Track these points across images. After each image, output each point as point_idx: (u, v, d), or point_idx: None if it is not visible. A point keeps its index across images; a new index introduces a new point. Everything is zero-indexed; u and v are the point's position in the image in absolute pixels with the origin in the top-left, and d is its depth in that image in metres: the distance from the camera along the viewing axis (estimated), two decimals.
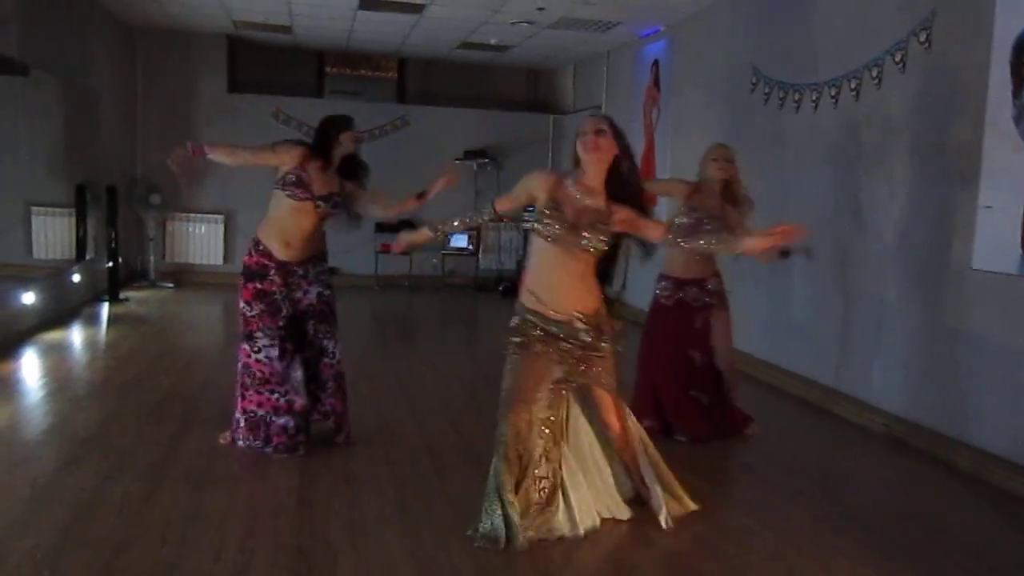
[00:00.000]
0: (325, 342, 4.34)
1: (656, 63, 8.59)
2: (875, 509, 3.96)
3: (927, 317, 4.86)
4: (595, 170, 3.30)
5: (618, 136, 3.32)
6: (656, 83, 8.58)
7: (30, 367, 5.87)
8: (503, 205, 3.50)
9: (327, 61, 11.23)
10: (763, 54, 6.58)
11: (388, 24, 8.97)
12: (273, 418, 4.17)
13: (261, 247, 4.22)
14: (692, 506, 3.59)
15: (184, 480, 3.83)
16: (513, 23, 8.59)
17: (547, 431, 3.34)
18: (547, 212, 3.27)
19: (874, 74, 5.28)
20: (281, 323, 4.18)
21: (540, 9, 7.88)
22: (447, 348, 8.02)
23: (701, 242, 3.48)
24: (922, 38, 4.88)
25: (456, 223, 3.68)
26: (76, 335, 7.07)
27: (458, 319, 9.91)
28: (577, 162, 3.35)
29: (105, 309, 8.19)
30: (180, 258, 10.42)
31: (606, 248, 3.31)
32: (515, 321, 3.39)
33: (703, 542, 3.47)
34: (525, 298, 3.38)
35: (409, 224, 10.92)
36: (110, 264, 8.66)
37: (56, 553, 3.07)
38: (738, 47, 6.98)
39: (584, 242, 3.24)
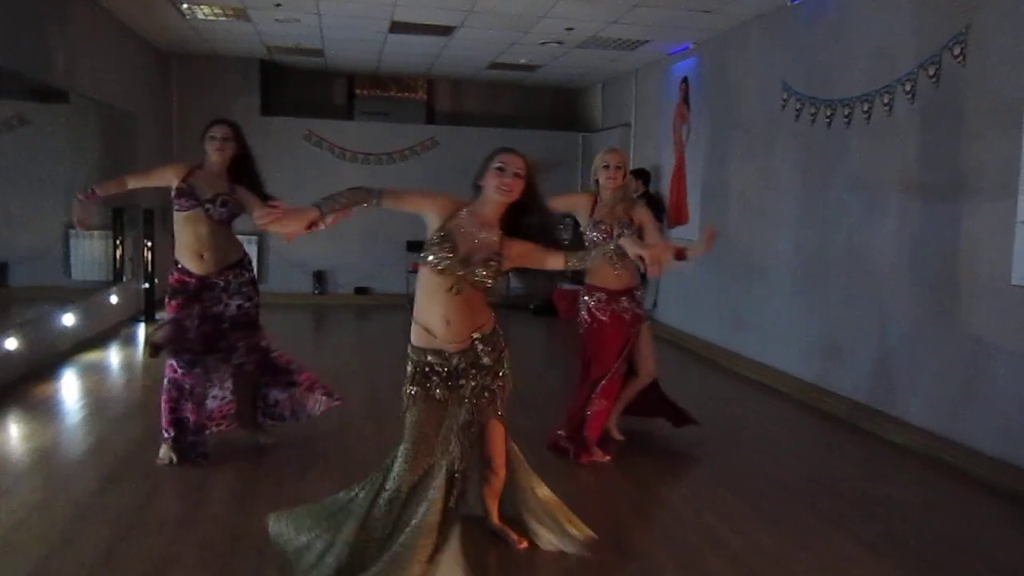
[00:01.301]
0: (239, 344, 4.40)
1: (685, 80, 8.59)
2: (917, 533, 3.89)
3: (964, 334, 4.80)
4: (496, 207, 3.12)
5: (531, 183, 3.14)
6: (685, 100, 8.59)
7: (70, 388, 5.97)
8: (389, 201, 3.09)
9: (357, 83, 11.35)
10: (794, 70, 6.56)
11: (418, 46, 9.07)
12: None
13: (180, 265, 4.31)
14: (589, 533, 3.39)
15: (221, 501, 3.87)
16: (542, 43, 8.65)
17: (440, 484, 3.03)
18: (438, 243, 3.05)
19: (907, 89, 5.25)
20: (199, 342, 4.28)
21: (569, 29, 7.93)
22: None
23: (592, 255, 3.24)
24: (956, 52, 4.85)
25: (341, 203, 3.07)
26: (113, 356, 7.18)
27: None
28: (476, 189, 3.15)
29: (141, 330, 8.30)
30: None
31: (494, 283, 3.12)
32: (410, 368, 3.19)
33: (742, 563, 3.43)
34: (418, 338, 3.17)
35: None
36: (146, 285, 8.79)
37: (99, 571, 3.11)
38: (768, 63, 6.97)
39: (475, 278, 3.06)
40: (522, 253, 3.16)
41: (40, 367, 6.16)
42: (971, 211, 4.78)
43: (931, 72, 5.05)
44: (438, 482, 3.01)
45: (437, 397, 3.14)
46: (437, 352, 3.14)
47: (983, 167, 4.71)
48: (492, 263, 3.07)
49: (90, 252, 7.93)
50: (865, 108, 5.66)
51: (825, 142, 6.13)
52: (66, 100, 6.95)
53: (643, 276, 4.62)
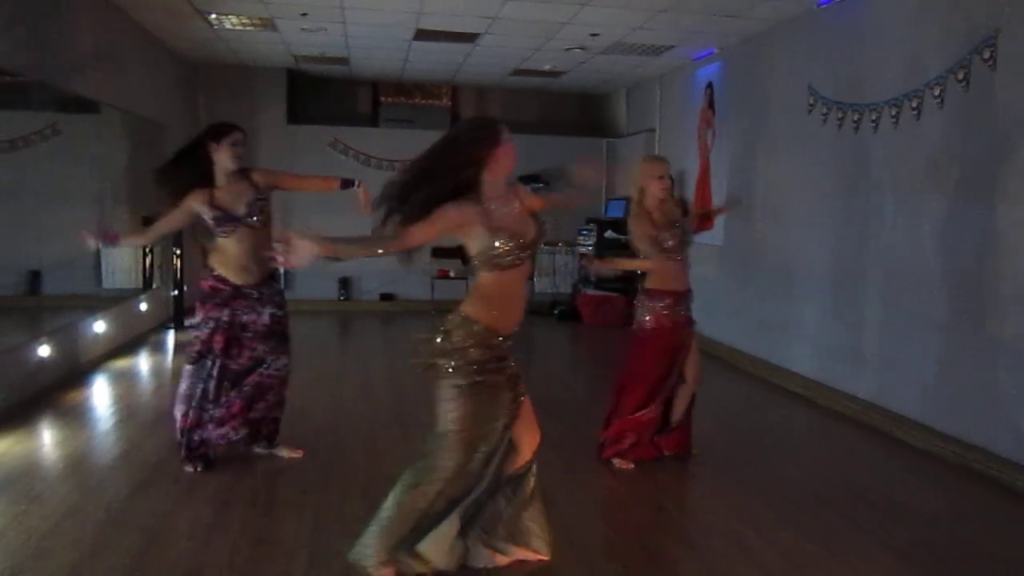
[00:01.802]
0: (269, 356, 4.40)
1: (710, 85, 8.56)
2: (947, 541, 3.84)
3: (994, 339, 4.74)
4: (502, 180, 3.09)
5: None
6: (710, 105, 8.56)
7: (101, 395, 6.05)
8: (418, 235, 2.94)
9: (382, 91, 11.42)
10: (820, 74, 6.52)
11: (442, 54, 9.11)
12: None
13: (216, 273, 4.33)
14: (545, 555, 3.30)
15: (251, 505, 3.91)
16: (567, 49, 8.66)
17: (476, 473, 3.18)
18: (499, 246, 2.95)
19: (936, 93, 5.20)
20: (220, 347, 4.30)
21: (593, 35, 7.94)
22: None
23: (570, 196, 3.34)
24: (986, 56, 4.79)
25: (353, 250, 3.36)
26: (144, 362, 7.26)
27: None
28: (471, 182, 2.99)
29: (171, 337, 8.40)
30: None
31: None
32: (476, 353, 3.06)
33: (770, 571, 3.41)
34: (494, 321, 3.07)
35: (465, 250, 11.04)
36: (175, 292, 8.90)
37: None
38: (794, 68, 6.93)
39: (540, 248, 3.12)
40: (531, 201, 3.24)
41: (72, 374, 6.26)
42: (1001, 216, 4.72)
43: (960, 76, 5.00)
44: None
45: (490, 383, 3.11)
46: (506, 337, 3.14)
47: (1013, 172, 4.65)
48: (532, 224, 3.11)
49: (120, 260, 8.04)
50: (893, 113, 5.61)
51: (852, 147, 6.09)
52: (96, 111, 7.07)
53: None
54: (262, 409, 4.47)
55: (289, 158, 9.88)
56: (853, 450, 5.29)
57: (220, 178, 4.28)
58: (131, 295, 8.08)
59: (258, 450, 4.56)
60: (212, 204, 4.23)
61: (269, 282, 4.42)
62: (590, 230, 10.64)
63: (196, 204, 4.23)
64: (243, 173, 4.33)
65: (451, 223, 2.95)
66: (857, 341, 6.00)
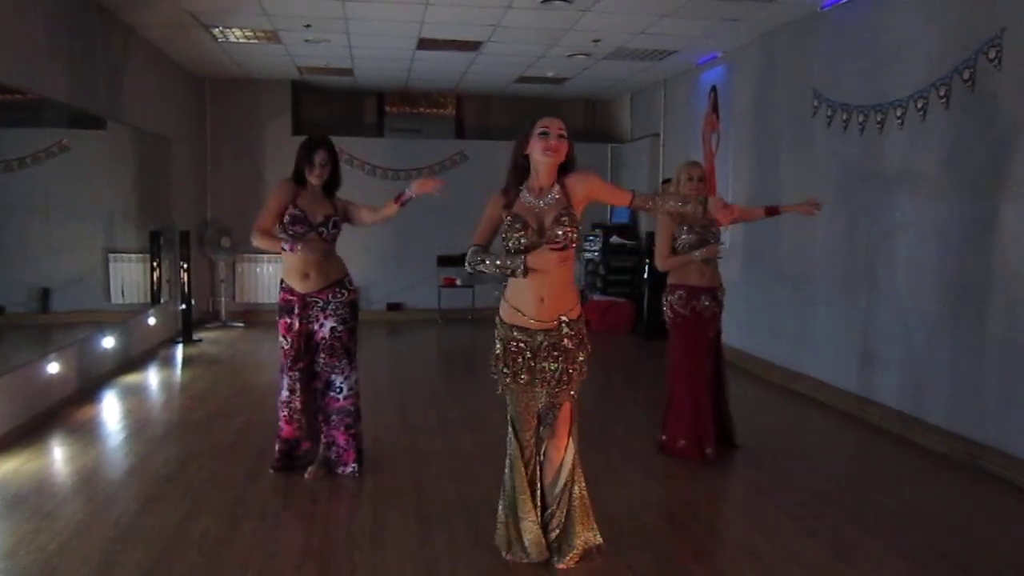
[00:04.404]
0: (332, 376, 4.46)
1: (714, 89, 8.55)
2: (959, 543, 3.81)
3: (1005, 340, 4.70)
4: (546, 170, 3.25)
5: (571, 143, 3.28)
6: (715, 109, 8.54)
7: (110, 409, 6.07)
8: (481, 236, 3.31)
9: (387, 101, 11.45)
10: (825, 76, 6.51)
11: (445, 63, 9.13)
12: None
13: (284, 284, 4.43)
14: (597, 540, 3.47)
15: (261, 518, 3.90)
16: (569, 56, 8.67)
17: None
18: (509, 227, 3.21)
19: (941, 93, 5.18)
20: (299, 357, 4.42)
21: (596, 41, 7.94)
22: None
23: (671, 203, 3.41)
24: (991, 56, 4.77)
25: (490, 256, 3.31)
26: (153, 377, 7.29)
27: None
28: (520, 170, 3.29)
29: (179, 350, 8.42)
30: (250, 298, 10.68)
31: (577, 235, 3.22)
32: (499, 346, 3.34)
33: None
34: (508, 315, 3.31)
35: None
36: (183, 306, 8.93)
37: None
38: (798, 70, 6.91)
39: (557, 238, 3.16)
40: (588, 191, 3.27)
41: (81, 390, 6.28)
42: (1008, 216, 4.70)
43: (966, 76, 4.98)
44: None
45: (522, 381, 3.28)
46: (523, 329, 3.26)
47: (1019, 171, 4.62)
48: (564, 217, 3.18)
49: (129, 275, 8.08)
50: (898, 113, 5.59)
51: (858, 148, 6.07)
52: (103, 126, 7.10)
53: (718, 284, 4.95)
54: (334, 430, 4.51)
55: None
56: (864, 452, 5.26)
57: (312, 183, 4.39)
58: (139, 309, 8.10)
59: (340, 470, 4.53)
60: (294, 202, 4.33)
61: (335, 290, 4.40)
62: (596, 236, 10.64)
63: (283, 196, 4.34)
64: (329, 192, 4.44)
65: (488, 209, 3.31)
66: (867, 343, 5.97)
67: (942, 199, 5.22)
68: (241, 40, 8.11)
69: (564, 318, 3.25)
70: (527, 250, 3.16)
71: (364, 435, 4.62)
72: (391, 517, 3.95)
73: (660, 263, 4.91)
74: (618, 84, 10.46)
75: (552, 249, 3.15)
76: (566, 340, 3.26)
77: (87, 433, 5.39)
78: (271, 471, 4.51)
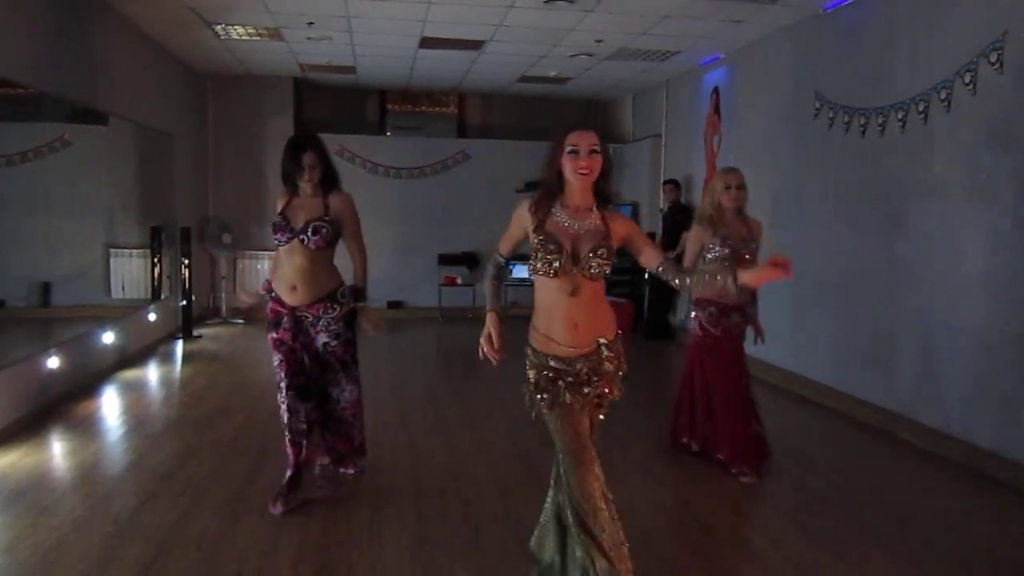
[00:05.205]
0: (331, 389, 4.25)
1: (716, 90, 8.55)
2: (957, 546, 3.81)
3: (1004, 343, 4.71)
4: (582, 189, 2.92)
5: (605, 148, 2.94)
6: (716, 110, 8.54)
7: (110, 405, 6.07)
8: (506, 246, 3.13)
9: (389, 99, 11.46)
10: (826, 79, 6.51)
11: (448, 61, 9.13)
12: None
13: (273, 294, 4.12)
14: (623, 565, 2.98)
15: (259, 515, 3.90)
16: (572, 56, 8.67)
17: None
18: (541, 247, 2.88)
19: (943, 97, 5.18)
20: (296, 373, 4.09)
21: (598, 41, 7.94)
22: (512, 379, 8.00)
23: (688, 281, 2.97)
24: (993, 59, 4.77)
25: (491, 292, 3.18)
26: (152, 373, 7.29)
27: (521, 350, 9.89)
28: (557, 177, 2.93)
29: (179, 346, 8.43)
30: None
31: (609, 269, 2.93)
32: (533, 375, 3.01)
33: None
34: (540, 343, 2.98)
35: (472, 257, 11.04)
36: (184, 302, 8.93)
37: None
38: (800, 72, 6.91)
39: (592, 270, 2.87)
40: (627, 236, 2.99)
41: (81, 385, 6.28)
42: (1008, 220, 4.69)
43: (967, 80, 4.98)
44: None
45: (567, 402, 2.93)
46: (560, 358, 2.95)
47: (1020, 174, 4.62)
48: (602, 250, 2.88)
49: (129, 271, 8.08)
50: (900, 117, 5.59)
51: (859, 151, 6.06)
52: (105, 122, 7.11)
53: (753, 295, 4.74)
54: (333, 437, 4.36)
55: None
56: (862, 454, 5.26)
57: (304, 189, 4.08)
58: (140, 305, 8.11)
59: (341, 471, 4.44)
60: (282, 210, 4.07)
61: (325, 305, 4.07)
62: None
63: (280, 201, 4.12)
64: (326, 190, 4.09)
65: (515, 220, 3.02)
66: (864, 345, 5.97)
67: (941, 203, 5.22)
68: (243, 37, 8.11)
69: (602, 340, 2.95)
70: (557, 276, 2.87)
71: (364, 434, 4.59)
72: (390, 515, 3.95)
73: None
74: (620, 84, 10.46)
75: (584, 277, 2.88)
76: (607, 363, 2.95)
77: (87, 428, 5.39)
78: (273, 511, 3.94)
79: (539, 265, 2.88)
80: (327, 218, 4.04)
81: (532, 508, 4.03)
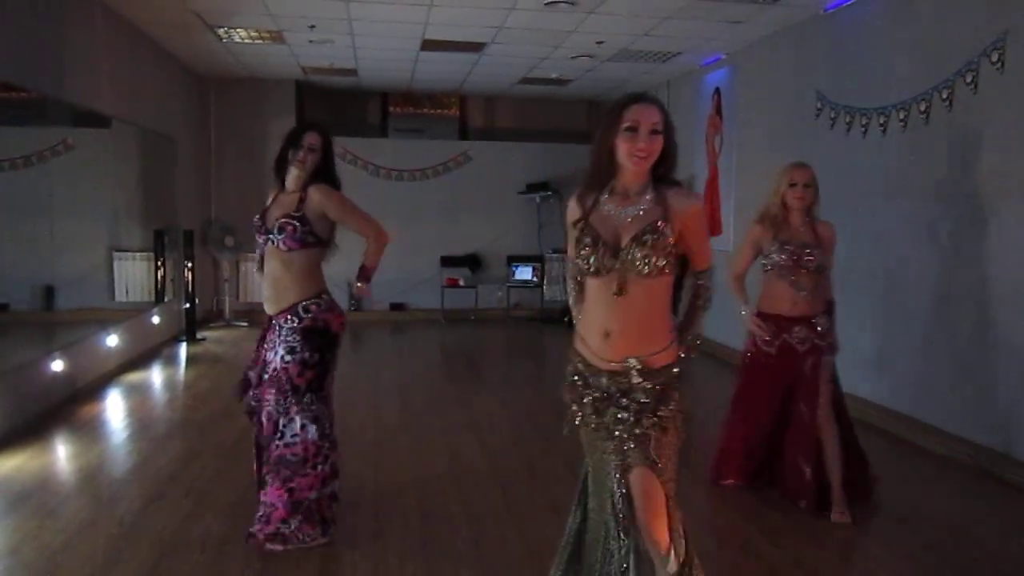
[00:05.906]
0: (278, 417, 3.56)
1: (718, 91, 8.56)
2: (960, 546, 3.81)
3: (1008, 345, 4.71)
4: (636, 173, 2.42)
5: (670, 128, 2.42)
6: (718, 111, 8.55)
7: (114, 408, 6.09)
8: (571, 252, 2.56)
9: (391, 101, 11.47)
10: (828, 79, 6.51)
11: (449, 63, 9.15)
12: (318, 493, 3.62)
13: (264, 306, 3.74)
14: None
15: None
16: (573, 57, 8.68)
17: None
18: (577, 239, 2.44)
19: (944, 96, 5.18)
20: (250, 387, 3.72)
21: (600, 42, 7.95)
22: (515, 382, 8.02)
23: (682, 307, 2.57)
24: (994, 59, 4.77)
25: (573, 301, 2.67)
26: (156, 375, 7.31)
27: (524, 352, 9.91)
28: (608, 158, 2.43)
29: (183, 349, 8.44)
30: (253, 297, 10.67)
31: (671, 264, 2.40)
32: (569, 369, 2.57)
33: None
34: (578, 341, 2.56)
35: (474, 258, 11.05)
36: (187, 305, 8.95)
37: None
38: (802, 72, 6.92)
39: (638, 264, 2.34)
40: (683, 224, 2.42)
41: (85, 388, 6.30)
42: (1012, 221, 4.70)
43: (969, 79, 4.98)
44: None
45: (591, 426, 2.48)
46: (588, 364, 2.49)
47: (1021, 175, 4.62)
48: (647, 236, 2.35)
49: (133, 274, 8.10)
50: (901, 116, 5.59)
51: (861, 151, 6.07)
52: (108, 125, 7.13)
53: (830, 304, 4.20)
54: (270, 483, 3.58)
55: None
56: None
57: (289, 182, 3.64)
58: (143, 308, 8.12)
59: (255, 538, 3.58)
60: (264, 208, 3.67)
61: (287, 315, 3.56)
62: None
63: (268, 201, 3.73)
64: (310, 183, 3.60)
65: (568, 217, 2.55)
66: (867, 345, 5.96)
67: (944, 203, 5.21)
68: (246, 40, 8.13)
69: (635, 363, 2.39)
70: (597, 272, 2.40)
71: (367, 436, 4.58)
72: (392, 517, 3.96)
73: (730, 273, 4.23)
74: (622, 85, 10.46)
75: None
76: (638, 392, 2.40)
77: (90, 431, 5.40)
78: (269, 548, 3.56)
79: (578, 261, 2.45)
80: (296, 214, 3.52)
81: (536, 510, 4.05)
